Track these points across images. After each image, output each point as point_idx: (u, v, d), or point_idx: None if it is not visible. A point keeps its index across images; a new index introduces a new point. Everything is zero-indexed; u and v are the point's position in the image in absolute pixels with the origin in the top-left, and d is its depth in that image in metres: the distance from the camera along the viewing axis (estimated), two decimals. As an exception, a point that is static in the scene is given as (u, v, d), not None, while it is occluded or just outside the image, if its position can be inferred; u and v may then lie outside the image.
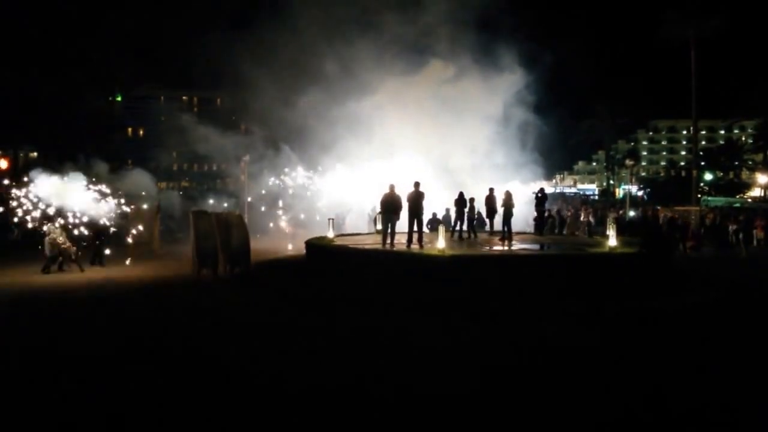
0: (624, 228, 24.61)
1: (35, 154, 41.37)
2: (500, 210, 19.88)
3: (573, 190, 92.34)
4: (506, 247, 18.24)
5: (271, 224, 30.12)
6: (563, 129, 58.57)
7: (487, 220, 20.93)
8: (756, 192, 65.23)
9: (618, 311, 12.36)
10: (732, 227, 24.58)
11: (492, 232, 21.10)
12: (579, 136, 69.06)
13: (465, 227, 20.27)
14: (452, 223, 20.91)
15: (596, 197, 78.26)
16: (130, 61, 44.65)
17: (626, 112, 66.01)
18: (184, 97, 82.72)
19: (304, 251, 19.46)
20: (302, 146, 33.26)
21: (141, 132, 78.26)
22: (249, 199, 30.91)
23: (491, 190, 20.54)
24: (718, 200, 46.87)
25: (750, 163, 70.95)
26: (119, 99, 45.47)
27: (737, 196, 56.21)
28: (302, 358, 8.78)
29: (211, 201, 32.70)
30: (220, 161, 63.05)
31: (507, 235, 19.27)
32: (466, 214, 20.25)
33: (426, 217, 19.77)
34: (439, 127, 29.39)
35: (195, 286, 16.65)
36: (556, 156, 55.28)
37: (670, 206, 32.79)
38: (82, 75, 42.03)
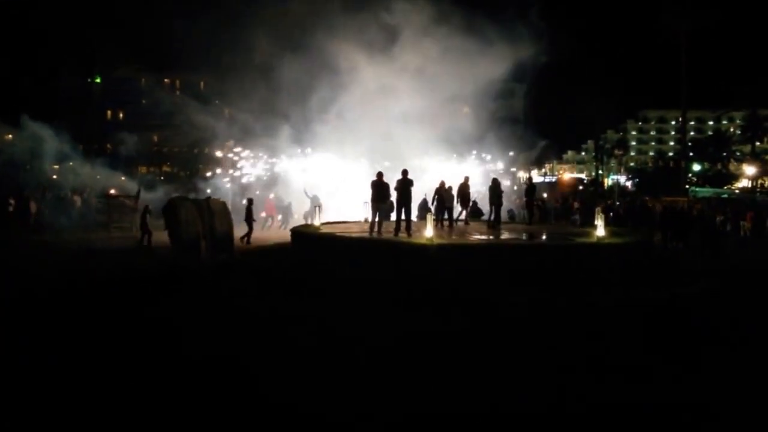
0: (620, 219, 24.55)
1: (10, 136, 40.33)
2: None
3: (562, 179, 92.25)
4: (494, 237, 18.06)
5: (263, 214, 29.58)
6: (552, 117, 58.50)
7: (491, 208, 20.49)
8: (743, 183, 65.51)
9: (604, 302, 12.25)
10: (719, 218, 24.73)
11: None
12: (569, 125, 69.05)
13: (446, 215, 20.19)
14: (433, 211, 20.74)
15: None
16: (109, 41, 43.52)
17: (616, 101, 66.07)
18: (166, 80, 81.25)
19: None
20: (288, 129, 32.74)
21: (121, 115, 76.87)
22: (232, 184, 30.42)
23: (466, 178, 20.44)
24: (706, 191, 46.96)
25: (738, 154, 71.54)
26: (98, 80, 44.31)
27: (725, 187, 56.44)
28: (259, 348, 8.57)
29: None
30: (203, 145, 62.32)
31: (495, 223, 19.14)
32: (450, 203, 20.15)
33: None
34: (426, 111, 29.10)
35: (174, 274, 16.19)
36: (545, 144, 55.26)
37: (659, 197, 32.86)
38: (59, 56, 40.97)
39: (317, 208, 20.88)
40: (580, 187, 64.10)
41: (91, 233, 25.16)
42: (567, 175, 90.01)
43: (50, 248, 20.91)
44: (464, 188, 20.17)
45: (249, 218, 22.58)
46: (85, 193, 34.76)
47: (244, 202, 24.28)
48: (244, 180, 33.07)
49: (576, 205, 27.37)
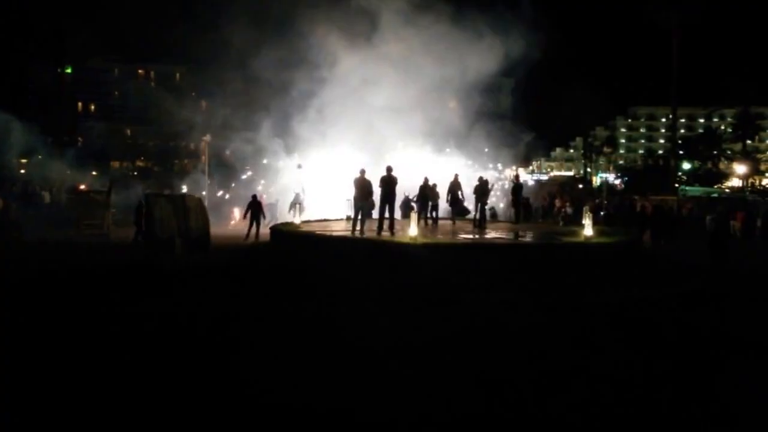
0: (611, 218, 24.31)
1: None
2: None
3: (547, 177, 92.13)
4: (479, 236, 17.65)
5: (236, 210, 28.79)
6: (540, 113, 58.23)
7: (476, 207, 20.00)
8: (734, 182, 65.35)
9: (589, 302, 11.90)
10: (709, 218, 24.67)
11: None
12: (557, 121, 68.64)
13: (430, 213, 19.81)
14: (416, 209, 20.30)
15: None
16: (81, 30, 42.25)
17: (605, 98, 65.68)
18: (140, 71, 79.57)
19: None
20: (269, 124, 31.94)
21: (92, 107, 74.95)
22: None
23: (456, 176, 20.04)
24: (696, 190, 46.77)
25: (728, 152, 70.65)
26: (69, 71, 42.86)
27: (715, 187, 56.25)
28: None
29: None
30: (179, 139, 61.14)
31: (482, 222, 18.81)
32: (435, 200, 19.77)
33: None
34: (410, 106, 28.59)
35: (149, 273, 15.45)
36: (533, 142, 55.09)
37: (647, 195, 32.75)
38: (28, 45, 39.61)
39: (298, 206, 20.30)
40: (580, 186, 63.79)
41: (60, 230, 24.19)
42: (554, 173, 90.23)
43: (15, 245, 19.98)
44: (455, 186, 19.74)
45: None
46: (55, 189, 33.68)
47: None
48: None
49: (558, 203, 27.12)
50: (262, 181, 32.68)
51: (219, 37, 29.75)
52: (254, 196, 23.19)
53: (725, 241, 17.22)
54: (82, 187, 31.47)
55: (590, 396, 6.84)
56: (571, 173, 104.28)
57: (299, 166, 26.61)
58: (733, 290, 14.07)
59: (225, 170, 36.52)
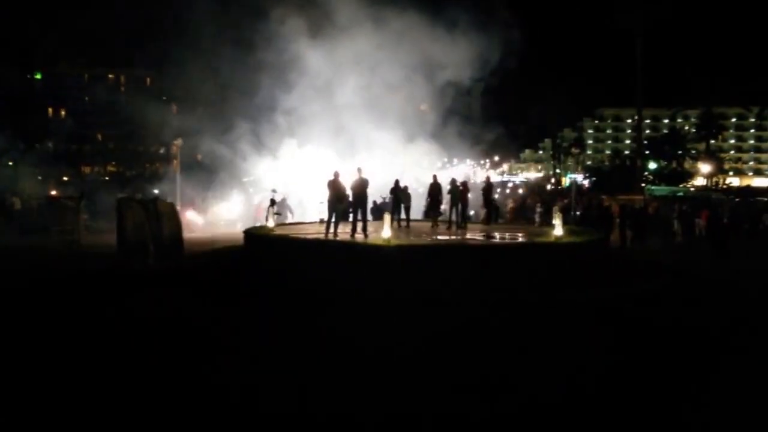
0: (586, 217, 24.56)
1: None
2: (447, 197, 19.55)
3: (520, 178, 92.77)
4: (452, 237, 17.85)
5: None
6: (510, 116, 58.66)
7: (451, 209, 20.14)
8: (699, 181, 66.22)
9: (557, 300, 12.18)
10: (674, 216, 25.18)
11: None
12: (526, 123, 69.18)
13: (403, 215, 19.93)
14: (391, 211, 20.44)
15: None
16: (50, 35, 41.62)
17: (572, 100, 66.41)
18: (110, 75, 78.61)
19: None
20: (241, 127, 31.78)
21: (62, 112, 73.82)
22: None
23: (435, 177, 20.16)
24: (662, 189, 47.58)
25: (693, 152, 72.02)
26: (38, 77, 42.27)
27: (681, 186, 57.19)
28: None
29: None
30: (150, 143, 60.48)
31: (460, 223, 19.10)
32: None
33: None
34: (380, 108, 28.72)
35: (119, 280, 15.36)
36: (502, 144, 55.30)
37: (615, 195, 33.28)
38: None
39: (269, 209, 20.27)
40: (549, 187, 64.30)
41: (30, 237, 23.87)
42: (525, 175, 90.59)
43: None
44: (434, 188, 19.83)
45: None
46: (25, 195, 33.15)
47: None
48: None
49: (530, 202, 27.46)
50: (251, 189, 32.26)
51: (189, 41, 29.57)
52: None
53: (725, 239, 17.69)
54: (53, 192, 31.07)
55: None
56: (540, 174, 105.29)
57: (274, 191, 26.31)
58: (700, 290, 14.46)
59: (199, 173, 36.27)
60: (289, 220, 25.47)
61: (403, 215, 20.06)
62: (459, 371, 7.81)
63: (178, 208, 19.01)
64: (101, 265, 17.26)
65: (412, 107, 29.64)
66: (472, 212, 23.38)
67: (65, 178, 36.46)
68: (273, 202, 22.34)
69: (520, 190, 49.89)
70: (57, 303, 12.05)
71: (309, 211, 25.97)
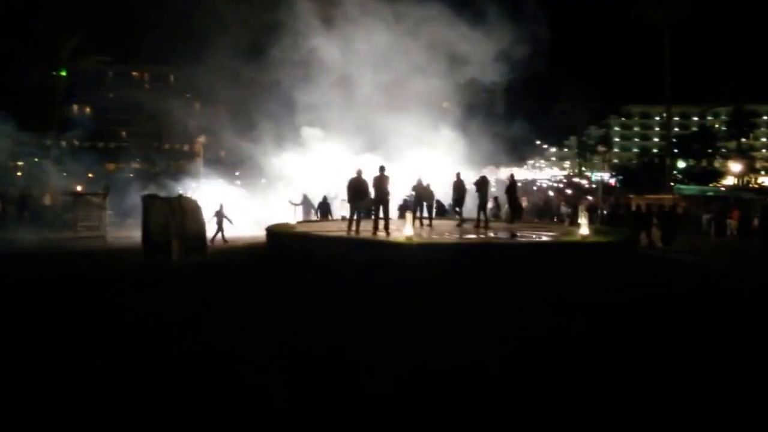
0: (612, 218, 24.27)
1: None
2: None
3: (545, 176, 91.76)
4: (476, 236, 17.71)
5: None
6: (535, 114, 58.12)
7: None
8: (729, 180, 64.81)
9: (585, 301, 11.95)
10: (705, 216, 24.71)
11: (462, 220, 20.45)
12: (551, 120, 68.56)
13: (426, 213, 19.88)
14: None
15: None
16: (75, 32, 42.13)
17: (599, 97, 65.41)
18: (134, 73, 79.50)
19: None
20: (261, 126, 31.88)
21: (87, 109, 74.84)
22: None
23: (458, 174, 20.04)
24: (691, 189, 46.60)
25: (723, 150, 70.15)
26: (64, 74, 42.98)
27: (710, 185, 55.94)
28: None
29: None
30: (174, 141, 61.11)
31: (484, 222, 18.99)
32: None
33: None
34: (403, 106, 28.60)
35: (144, 275, 15.50)
36: (528, 141, 54.76)
37: (643, 194, 32.75)
38: (23, 48, 39.51)
39: (295, 207, 20.44)
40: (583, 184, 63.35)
41: (57, 232, 24.21)
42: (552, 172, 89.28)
43: (10, 247, 20.02)
44: (459, 185, 19.74)
45: None
46: (51, 191, 33.62)
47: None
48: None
49: (554, 202, 27.15)
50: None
51: (212, 38, 29.71)
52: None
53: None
54: (79, 188, 31.46)
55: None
56: (565, 172, 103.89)
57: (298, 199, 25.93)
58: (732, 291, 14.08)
59: (221, 171, 36.51)
60: (313, 217, 25.55)
61: (425, 213, 20.00)
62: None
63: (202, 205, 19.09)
64: (127, 261, 17.46)
65: (435, 104, 29.46)
66: (491, 206, 23.21)
67: (90, 175, 36.81)
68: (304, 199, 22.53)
69: (551, 192, 49.34)
70: (92, 294, 12.19)
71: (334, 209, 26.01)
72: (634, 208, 23.91)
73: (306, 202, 26.22)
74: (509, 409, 6.48)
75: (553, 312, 11.22)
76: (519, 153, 61.05)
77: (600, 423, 6.19)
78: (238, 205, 26.28)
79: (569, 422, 6.17)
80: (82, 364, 7.80)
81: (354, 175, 16.34)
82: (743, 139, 72.41)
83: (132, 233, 22.20)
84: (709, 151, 68.64)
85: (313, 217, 25.60)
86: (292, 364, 7.82)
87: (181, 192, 23.83)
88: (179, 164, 56.15)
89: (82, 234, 23.08)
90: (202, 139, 32.10)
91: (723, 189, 53.73)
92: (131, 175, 44.45)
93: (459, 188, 19.72)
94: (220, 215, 22.70)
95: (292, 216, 21.62)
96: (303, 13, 28.70)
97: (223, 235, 22.34)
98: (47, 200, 31.80)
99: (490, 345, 9.03)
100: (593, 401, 6.73)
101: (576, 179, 77.69)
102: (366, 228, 16.45)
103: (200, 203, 19.34)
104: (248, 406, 6.41)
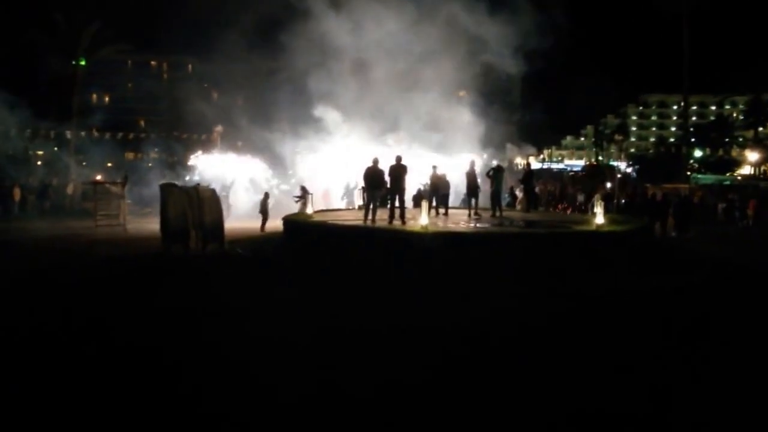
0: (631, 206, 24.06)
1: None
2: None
3: (561, 165, 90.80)
4: (491, 225, 17.68)
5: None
6: (552, 101, 57.53)
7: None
8: (746, 170, 64.01)
9: (603, 291, 11.95)
10: (721, 206, 24.43)
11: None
12: (568, 109, 67.81)
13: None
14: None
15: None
16: (94, 21, 42.43)
17: (616, 85, 64.60)
18: (152, 62, 80.00)
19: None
20: (278, 116, 31.98)
21: (107, 98, 75.46)
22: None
23: (472, 163, 19.98)
24: (708, 178, 46.05)
25: (741, 140, 69.46)
26: (83, 63, 43.34)
27: (727, 174, 55.23)
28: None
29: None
30: (192, 130, 61.43)
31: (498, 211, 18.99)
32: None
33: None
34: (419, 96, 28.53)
35: (164, 263, 15.75)
36: (544, 130, 54.20)
37: (659, 184, 32.41)
38: (42, 37, 39.93)
39: (310, 196, 20.52)
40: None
41: (76, 221, 24.56)
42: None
43: (30, 235, 20.40)
44: (471, 175, 19.71)
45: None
46: (71, 179, 34.10)
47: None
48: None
49: (570, 191, 26.92)
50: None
51: (231, 27, 29.81)
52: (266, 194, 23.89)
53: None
54: (98, 177, 31.83)
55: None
56: (582, 162, 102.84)
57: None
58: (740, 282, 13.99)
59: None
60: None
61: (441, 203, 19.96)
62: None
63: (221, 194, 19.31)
64: (147, 249, 17.73)
65: (451, 92, 29.31)
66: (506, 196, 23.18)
67: (109, 164, 37.18)
68: (304, 190, 22.69)
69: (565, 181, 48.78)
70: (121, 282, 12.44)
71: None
72: (650, 196, 23.72)
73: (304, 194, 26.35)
74: (518, 391, 6.57)
75: (566, 300, 11.29)
76: (535, 141, 60.51)
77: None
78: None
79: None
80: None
81: (370, 164, 16.39)
82: (760, 129, 71.41)
83: (152, 222, 22.48)
84: (726, 140, 67.91)
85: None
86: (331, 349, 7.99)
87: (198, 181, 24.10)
88: (197, 154, 56.48)
89: (101, 223, 23.36)
90: (219, 128, 32.21)
91: (740, 178, 53.06)
92: (150, 165, 44.80)
93: (471, 178, 19.67)
94: (264, 204, 23.07)
95: (297, 207, 22.04)
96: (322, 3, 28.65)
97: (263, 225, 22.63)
98: (70, 190, 32.26)
99: (507, 333, 9.12)
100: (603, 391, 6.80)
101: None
102: (382, 217, 16.50)
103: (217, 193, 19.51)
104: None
